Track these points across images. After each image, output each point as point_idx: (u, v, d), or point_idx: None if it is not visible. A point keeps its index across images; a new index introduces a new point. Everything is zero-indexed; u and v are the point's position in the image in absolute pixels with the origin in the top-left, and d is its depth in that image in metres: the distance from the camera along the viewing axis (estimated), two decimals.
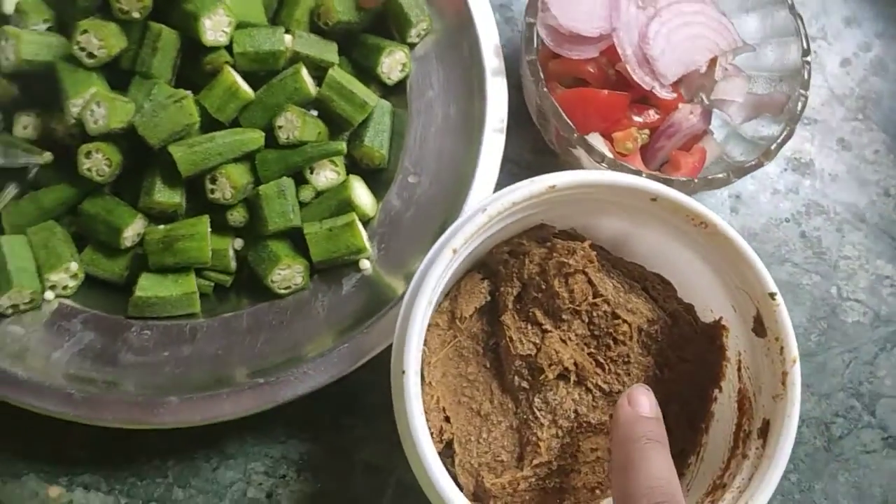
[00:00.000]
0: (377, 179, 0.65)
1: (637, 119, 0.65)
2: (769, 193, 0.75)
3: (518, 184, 0.56)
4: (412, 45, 0.66)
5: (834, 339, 0.73)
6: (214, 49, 0.59)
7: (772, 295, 0.55)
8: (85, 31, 0.56)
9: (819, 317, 0.73)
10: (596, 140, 0.62)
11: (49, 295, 0.57)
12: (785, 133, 0.63)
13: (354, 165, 0.65)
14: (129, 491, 0.59)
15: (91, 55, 0.56)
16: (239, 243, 0.62)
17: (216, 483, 0.60)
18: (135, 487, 0.60)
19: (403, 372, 0.51)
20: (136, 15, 0.57)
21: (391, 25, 0.66)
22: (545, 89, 0.59)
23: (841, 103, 0.78)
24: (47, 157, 0.58)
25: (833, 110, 0.78)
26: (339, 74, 0.62)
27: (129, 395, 0.54)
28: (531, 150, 0.71)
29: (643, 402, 0.51)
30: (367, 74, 0.65)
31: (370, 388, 0.63)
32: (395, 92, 0.66)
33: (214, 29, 0.58)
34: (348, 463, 0.63)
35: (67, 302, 0.58)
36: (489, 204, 0.54)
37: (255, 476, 0.61)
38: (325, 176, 0.62)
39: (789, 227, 0.75)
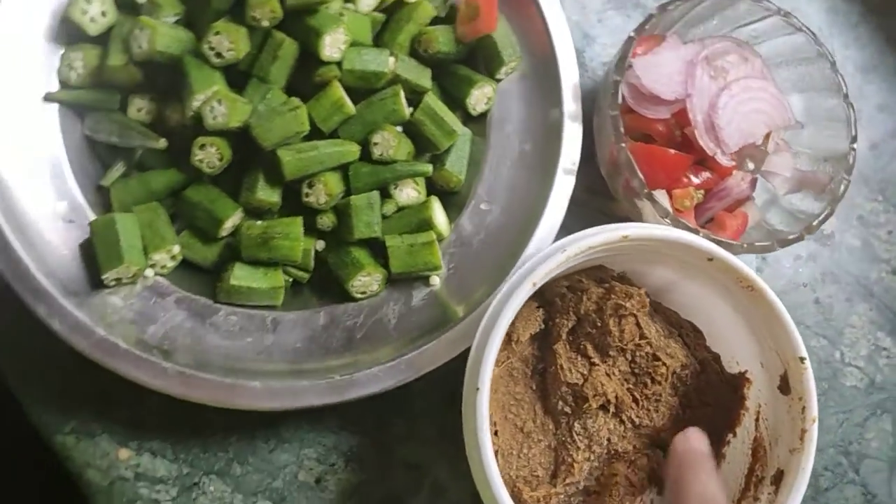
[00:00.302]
0: (449, 202, 0.69)
1: (695, 180, 0.70)
2: (792, 259, 0.81)
3: (594, 229, 0.61)
4: (498, 80, 0.71)
5: (832, 399, 0.79)
6: (327, 63, 0.63)
7: (801, 359, 0.61)
8: (218, 33, 0.59)
9: (822, 377, 0.79)
10: (660, 195, 0.67)
11: (149, 272, 0.61)
12: (826, 211, 0.69)
13: (430, 186, 0.69)
14: (192, 461, 0.64)
15: (219, 55, 0.60)
16: (321, 245, 0.66)
17: (271, 463, 0.65)
18: (198, 459, 0.64)
19: (478, 389, 0.56)
20: (265, 23, 0.61)
21: (481, 60, 0.71)
22: (623, 144, 0.65)
23: (865, 183, 0.85)
24: (163, 143, 0.62)
25: (858, 189, 0.84)
26: (433, 101, 0.67)
27: (216, 376, 0.58)
28: (585, 190, 0.76)
29: (698, 439, 0.59)
30: (455, 102, 0.69)
31: (417, 394, 0.68)
32: (475, 121, 0.71)
33: (332, 45, 0.62)
34: (391, 459, 0.67)
35: (163, 280, 0.62)
36: (569, 245, 0.59)
37: (306, 461, 0.66)
38: (407, 193, 0.67)
39: (806, 291, 0.81)
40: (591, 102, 0.74)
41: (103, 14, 0.62)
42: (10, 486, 0.84)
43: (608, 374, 0.65)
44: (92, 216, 0.61)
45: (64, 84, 0.63)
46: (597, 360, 0.64)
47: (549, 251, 0.60)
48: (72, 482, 0.63)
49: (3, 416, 0.66)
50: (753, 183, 0.74)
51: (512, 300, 0.57)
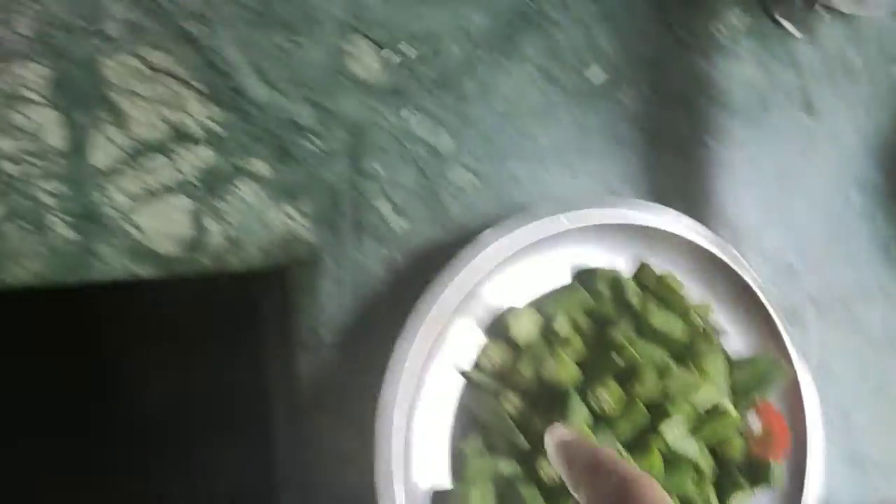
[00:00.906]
0: None
1: None
2: None
3: None
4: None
5: None
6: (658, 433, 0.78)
7: None
8: (605, 390, 0.76)
9: None
10: None
11: None
12: None
13: None
14: None
15: (597, 403, 0.76)
16: None
17: None
18: None
19: None
20: (641, 398, 0.77)
21: (750, 471, 0.86)
22: None
23: None
24: (524, 444, 0.76)
25: None
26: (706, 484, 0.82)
27: None
28: None
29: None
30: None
31: None
32: None
33: (671, 426, 0.77)
34: None
35: None
36: None
37: None
38: None
39: None
40: None
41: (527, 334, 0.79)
42: None
43: None
44: (444, 470, 0.76)
45: (476, 366, 0.79)
46: None
47: None
48: None
49: None
50: None
51: None
